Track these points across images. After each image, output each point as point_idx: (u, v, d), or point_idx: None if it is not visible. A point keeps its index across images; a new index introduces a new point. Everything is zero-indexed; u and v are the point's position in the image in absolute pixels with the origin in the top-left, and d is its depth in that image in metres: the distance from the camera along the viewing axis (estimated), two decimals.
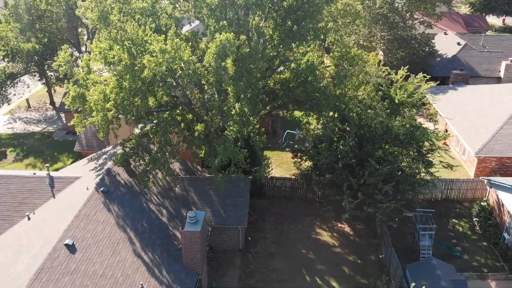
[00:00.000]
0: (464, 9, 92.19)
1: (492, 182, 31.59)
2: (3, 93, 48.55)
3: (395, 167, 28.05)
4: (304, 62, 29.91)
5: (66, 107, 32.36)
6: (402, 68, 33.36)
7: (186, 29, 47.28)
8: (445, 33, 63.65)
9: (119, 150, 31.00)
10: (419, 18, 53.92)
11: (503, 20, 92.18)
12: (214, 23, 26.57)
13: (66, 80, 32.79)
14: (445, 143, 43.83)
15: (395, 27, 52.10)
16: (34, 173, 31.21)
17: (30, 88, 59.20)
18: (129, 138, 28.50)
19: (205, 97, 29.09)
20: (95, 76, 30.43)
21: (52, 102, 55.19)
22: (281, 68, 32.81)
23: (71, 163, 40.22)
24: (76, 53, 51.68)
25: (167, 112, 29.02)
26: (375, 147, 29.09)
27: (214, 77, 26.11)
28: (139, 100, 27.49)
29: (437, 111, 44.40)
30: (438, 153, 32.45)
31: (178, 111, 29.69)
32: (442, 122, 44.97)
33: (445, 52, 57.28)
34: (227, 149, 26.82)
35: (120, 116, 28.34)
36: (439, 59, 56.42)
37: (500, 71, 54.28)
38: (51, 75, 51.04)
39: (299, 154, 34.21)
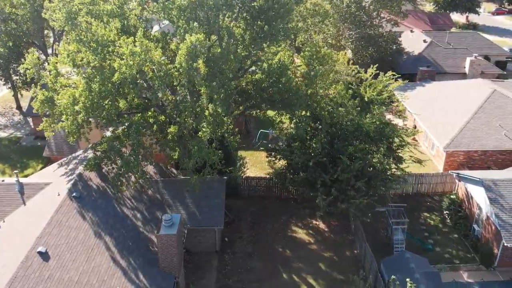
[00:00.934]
0: (429, 7, 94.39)
1: (461, 175, 32.48)
2: None
3: (366, 163, 28.49)
4: (276, 62, 30.08)
5: (34, 111, 31.53)
6: (371, 66, 33.94)
7: (155, 29, 46.85)
8: (411, 31, 65.10)
9: (90, 154, 30.48)
10: (386, 17, 54.91)
11: (467, 17, 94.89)
12: (184, 24, 26.43)
13: (33, 84, 32.05)
14: (414, 139, 44.69)
15: (363, 25, 52.97)
16: (3, 180, 30.44)
17: None
18: (100, 142, 28.04)
19: (178, 98, 28.91)
20: (63, 79, 29.86)
21: (18, 107, 53.83)
22: (253, 68, 32.87)
23: (41, 168, 39.31)
24: (43, 56, 50.55)
25: (139, 115, 28.70)
26: (346, 145, 29.50)
27: (186, 78, 25.97)
28: (109, 103, 27.09)
29: (405, 108, 45.33)
30: (408, 148, 33.13)
31: (150, 113, 29.42)
32: (411, 118, 45.93)
33: (412, 50, 58.55)
34: (201, 150, 26.74)
35: (90, 119, 27.86)
36: (406, 56, 57.65)
37: (465, 67, 55.84)
38: (17, 79, 49.69)
39: (273, 153, 34.35)
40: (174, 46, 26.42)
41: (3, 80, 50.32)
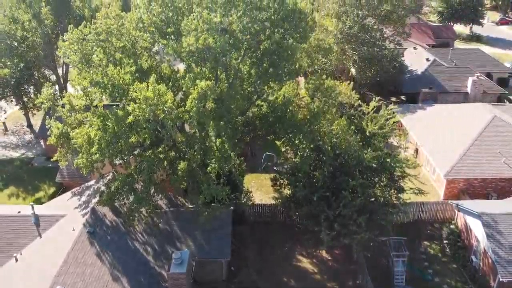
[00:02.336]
0: (433, 17, 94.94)
1: (460, 207, 33.49)
2: None
3: (367, 199, 29.59)
4: (281, 97, 31.23)
5: (48, 143, 32.60)
6: (373, 99, 35.01)
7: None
8: (414, 48, 65.94)
9: (102, 186, 31.75)
10: (389, 37, 55.79)
11: (470, 28, 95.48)
12: (195, 68, 27.58)
13: (47, 115, 33.05)
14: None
15: (366, 46, 53.84)
16: (19, 212, 31.73)
17: (6, 109, 58.83)
18: (113, 178, 29.24)
19: (187, 135, 30.06)
20: (78, 115, 30.98)
21: (29, 125, 55.18)
22: (259, 102, 34.00)
23: (53, 193, 40.64)
24: (53, 77, 51.95)
25: (150, 151, 29.88)
26: (346, 179, 30.52)
27: (195, 119, 27.15)
28: (123, 141, 28.28)
29: (407, 131, 46.41)
30: (409, 179, 34.15)
31: (160, 149, 30.59)
32: (413, 141, 47.01)
33: (415, 68, 59.45)
34: (211, 188, 27.95)
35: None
36: (409, 75, 58.57)
37: (467, 87, 56.64)
38: (28, 100, 50.95)
39: (277, 183, 35.54)
40: (185, 87, 27.49)
41: (14, 100, 51.51)
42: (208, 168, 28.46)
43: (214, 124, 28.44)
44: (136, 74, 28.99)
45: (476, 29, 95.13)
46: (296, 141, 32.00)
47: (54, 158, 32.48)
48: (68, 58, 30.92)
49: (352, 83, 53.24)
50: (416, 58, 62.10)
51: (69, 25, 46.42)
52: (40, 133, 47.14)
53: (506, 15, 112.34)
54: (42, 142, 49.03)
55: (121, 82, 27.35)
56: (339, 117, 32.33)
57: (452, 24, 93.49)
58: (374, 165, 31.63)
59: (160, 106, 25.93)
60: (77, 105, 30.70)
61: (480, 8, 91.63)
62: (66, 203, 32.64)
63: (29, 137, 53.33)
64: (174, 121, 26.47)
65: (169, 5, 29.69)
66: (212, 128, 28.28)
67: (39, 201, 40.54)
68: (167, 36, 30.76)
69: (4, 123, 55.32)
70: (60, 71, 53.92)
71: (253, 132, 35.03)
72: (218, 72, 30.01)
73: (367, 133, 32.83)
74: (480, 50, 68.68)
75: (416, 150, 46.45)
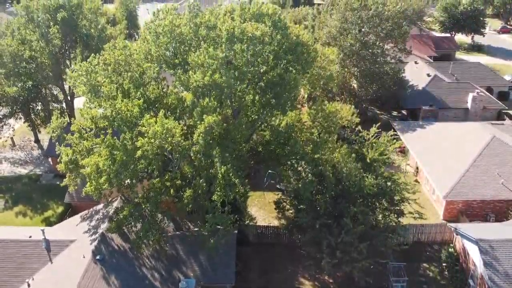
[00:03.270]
0: (435, 26, 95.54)
1: (458, 231, 34.35)
2: None
3: (368, 227, 30.51)
4: (284, 123, 32.21)
5: (58, 168, 33.53)
6: (373, 125, 35.94)
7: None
8: (416, 62, 66.77)
9: (111, 211, 32.79)
10: (390, 54, 56.55)
11: (472, 37, 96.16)
12: (201, 102, 28.54)
13: (58, 143, 33.97)
14: (416, 180, 46.77)
15: (367, 61, 54.68)
16: (30, 236, 32.70)
17: (14, 127, 59.86)
18: (122, 208, 30.24)
19: (193, 165, 31.01)
20: (87, 142, 31.96)
21: (36, 140, 56.25)
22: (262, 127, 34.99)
23: (62, 212, 41.64)
24: (61, 95, 53.03)
25: (157, 179, 30.82)
26: (347, 206, 31.43)
27: (202, 151, 28.15)
28: (130, 171, 29.26)
29: (408, 150, 47.31)
30: (408, 203, 35.03)
31: (167, 177, 31.54)
32: (413, 159, 47.89)
33: (416, 84, 60.25)
34: (216, 217, 28.95)
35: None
36: (410, 90, 59.39)
37: (467, 102, 57.46)
38: (35, 117, 51.97)
39: (281, 205, 36.55)
40: (192, 122, 28.46)
41: (22, 117, 52.52)
42: (214, 197, 29.44)
43: (220, 155, 29.38)
44: (144, 105, 29.99)
45: (478, 38, 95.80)
46: (299, 168, 32.99)
47: (64, 183, 33.55)
48: (77, 88, 32.05)
49: (353, 98, 54.66)
50: (417, 73, 62.93)
51: (77, 44, 47.48)
52: (48, 151, 48.13)
53: (508, 23, 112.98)
54: (50, 160, 50.02)
55: (129, 115, 28.34)
56: (340, 146, 33.21)
57: (454, 34, 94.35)
58: (375, 190, 32.56)
59: (168, 139, 26.94)
60: (85, 133, 31.75)
61: (481, 19, 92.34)
62: (75, 227, 33.64)
63: (37, 152, 54.37)
64: (182, 154, 27.46)
65: (177, 38, 30.63)
66: (218, 158, 29.24)
67: (47, 220, 41.70)
68: (175, 67, 31.76)
69: (12, 138, 56.35)
70: (66, 87, 54.87)
71: (256, 157, 35.99)
72: (223, 102, 31.03)
73: (368, 160, 33.72)
74: (480, 64, 69.50)
75: (417, 168, 47.31)
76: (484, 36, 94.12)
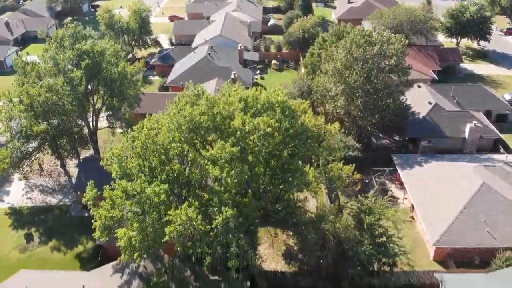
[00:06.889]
0: (440, 36, 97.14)
1: (443, 283, 38.92)
2: (21, 172, 54.29)
3: None
4: (291, 200, 36.60)
5: (94, 235, 37.87)
6: (371, 190, 40.13)
7: None
8: (418, 86, 69.68)
9: (140, 268, 37.80)
10: (392, 87, 59.48)
11: (478, 42, 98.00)
12: (219, 188, 32.86)
13: (91, 208, 38.47)
14: (412, 217, 51.17)
15: (370, 96, 57.94)
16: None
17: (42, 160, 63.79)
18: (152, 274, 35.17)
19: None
20: (117, 211, 36.47)
21: (62, 165, 60.78)
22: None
23: (92, 249, 46.66)
24: (86, 129, 57.35)
25: (179, 249, 35.45)
26: (348, 267, 36.17)
27: (220, 236, 32.77)
28: (157, 244, 33.98)
29: (405, 188, 51.50)
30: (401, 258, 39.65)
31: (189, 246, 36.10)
32: (409, 198, 52.11)
33: (418, 111, 63.52)
34: (230, 284, 33.81)
35: None
36: (411, 117, 62.74)
37: (465, 132, 60.95)
38: (62, 151, 56.29)
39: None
40: (213, 213, 32.92)
41: (50, 152, 56.72)
42: (229, 263, 34.17)
43: (235, 236, 33.69)
44: (170, 186, 34.27)
45: (483, 42, 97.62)
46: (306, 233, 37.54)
47: (95, 236, 38.23)
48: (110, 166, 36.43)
49: (355, 127, 58.14)
50: (419, 99, 65.94)
51: (100, 86, 50.94)
52: (77, 186, 52.85)
53: None
54: (79, 193, 54.69)
55: (156, 200, 32.75)
56: (341, 216, 37.64)
57: (459, 39, 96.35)
58: (373, 252, 37.13)
59: (192, 227, 31.48)
60: (117, 202, 36.28)
61: (488, 25, 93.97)
62: (109, 279, 38.58)
63: (63, 179, 59.13)
64: (203, 238, 32.04)
65: (197, 125, 34.59)
66: (233, 236, 33.80)
67: (80, 256, 46.83)
68: (195, 145, 35.91)
69: (40, 164, 60.88)
70: (90, 119, 58.89)
71: (266, 219, 40.51)
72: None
73: (365, 226, 38.14)
74: (481, 86, 72.42)
75: (412, 206, 51.57)
76: (489, 42, 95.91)
